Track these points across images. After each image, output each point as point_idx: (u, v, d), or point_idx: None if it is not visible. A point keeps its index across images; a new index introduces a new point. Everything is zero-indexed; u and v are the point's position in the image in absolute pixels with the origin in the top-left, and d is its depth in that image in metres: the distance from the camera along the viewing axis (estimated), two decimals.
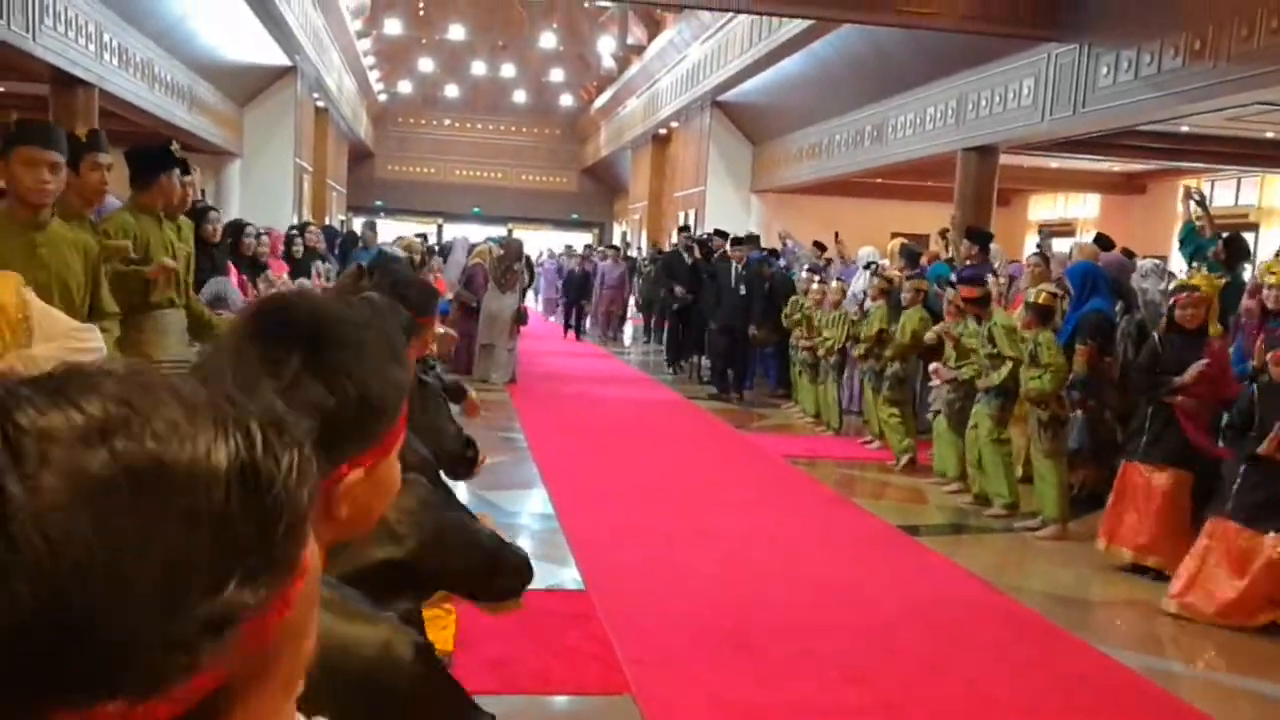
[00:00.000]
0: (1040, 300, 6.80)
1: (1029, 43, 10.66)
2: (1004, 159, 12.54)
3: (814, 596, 5.34)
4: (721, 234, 14.20)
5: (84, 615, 0.46)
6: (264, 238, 8.71)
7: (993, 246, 9.69)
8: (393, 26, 27.91)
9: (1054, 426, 6.71)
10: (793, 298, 11.23)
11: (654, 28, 23.19)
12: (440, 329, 3.39)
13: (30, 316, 2.95)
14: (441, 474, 2.59)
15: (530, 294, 22.76)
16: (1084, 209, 19.84)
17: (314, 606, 0.58)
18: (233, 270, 7.49)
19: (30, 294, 2.99)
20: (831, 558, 6.09)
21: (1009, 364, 6.91)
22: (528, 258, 16.08)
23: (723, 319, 12.09)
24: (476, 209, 34.13)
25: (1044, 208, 20.64)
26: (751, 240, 12.91)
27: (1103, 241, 8.60)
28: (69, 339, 3.08)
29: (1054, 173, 18.14)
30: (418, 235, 12.83)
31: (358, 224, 19.80)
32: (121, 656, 0.46)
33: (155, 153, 4.76)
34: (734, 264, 12.02)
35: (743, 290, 11.84)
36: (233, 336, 1.08)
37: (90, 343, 3.15)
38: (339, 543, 1.08)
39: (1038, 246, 10.17)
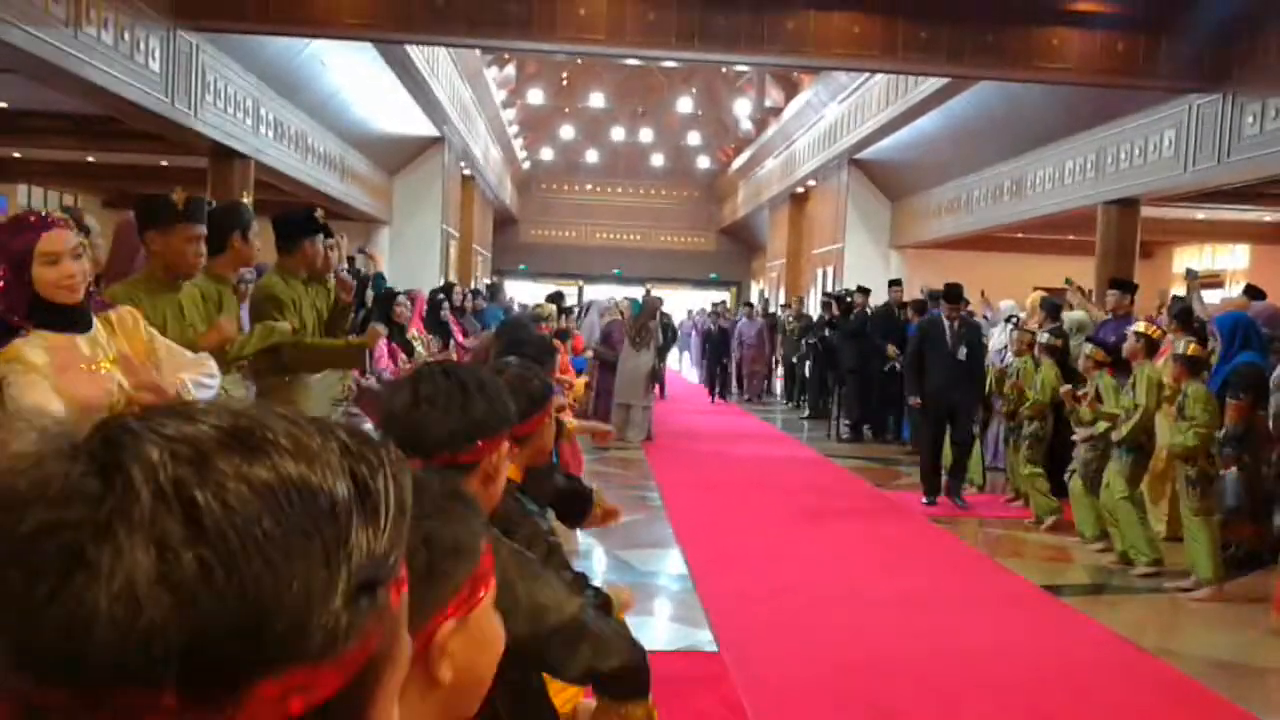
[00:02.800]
0: (1189, 351, 6.55)
1: (1169, 94, 10.41)
2: (1146, 211, 12.21)
3: (956, 659, 5.21)
4: (864, 290, 14.13)
5: (270, 592, 0.55)
6: (404, 299, 9.05)
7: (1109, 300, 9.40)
8: (536, 96, 28.76)
9: (1202, 483, 6.43)
10: None
11: (791, 89, 23.35)
12: (578, 424, 3.54)
13: (156, 350, 3.17)
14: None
15: (677, 354, 22.83)
16: (1233, 260, 19.06)
17: (405, 634, 0.67)
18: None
19: (152, 331, 3.22)
20: (974, 618, 5.94)
21: (1138, 415, 6.70)
22: (666, 317, 16.35)
23: (937, 393, 9.20)
24: (617, 270, 34.65)
25: (1190, 260, 19.89)
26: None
27: (1253, 292, 8.27)
28: (197, 365, 3.31)
29: (1200, 224, 17.52)
30: (553, 295, 13.16)
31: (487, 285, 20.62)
32: (304, 625, 0.56)
33: (299, 219, 4.98)
34: (948, 324, 9.35)
35: (962, 353, 9.17)
36: None
37: (211, 366, 3.38)
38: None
39: (1182, 296, 9.76)
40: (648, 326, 12.81)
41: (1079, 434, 7.54)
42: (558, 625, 1.86)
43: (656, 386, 16.90)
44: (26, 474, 0.56)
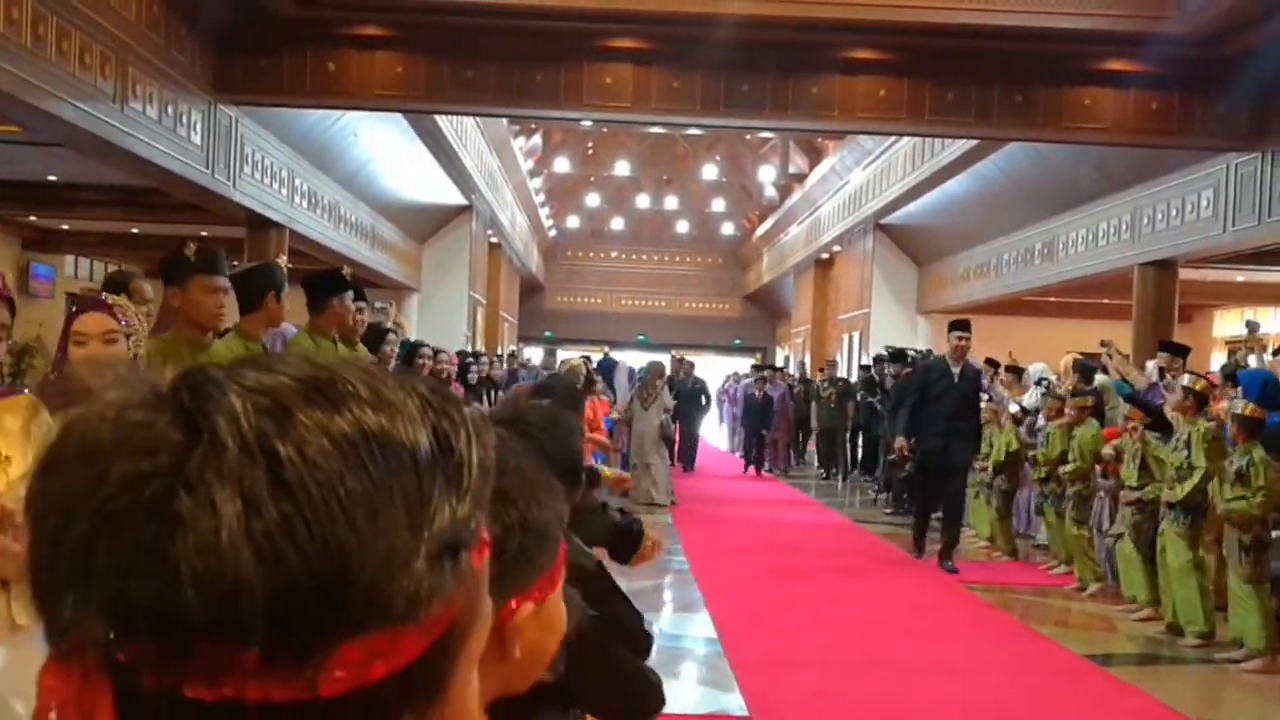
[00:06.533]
0: (1247, 412, 6.34)
1: (1206, 153, 10.36)
2: (1184, 273, 12.10)
3: None
4: (898, 355, 13.63)
5: (353, 550, 0.52)
6: (442, 355, 9.11)
7: (1149, 364, 9.26)
8: (562, 165, 29.09)
9: (1256, 550, 6.20)
10: None
11: (815, 155, 23.48)
12: (612, 471, 3.46)
13: None
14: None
15: (718, 423, 22.37)
16: (1277, 323, 18.83)
17: (486, 598, 0.63)
18: None
19: None
20: (1015, 689, 5.76)
21: (1197, 475, 6.50)
22: (700, 382, 16.38)
23: None
24: (642, 337, 34.70)
25: (1231, 323, 19.70)
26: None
27: None
28: None
29: (1240, 286, 17.37)
30: (583, 357, 13.30)
31: (529, 351, 20.66)
32: (387, 586, 0.53)
33: (327, 279, 4.98)
34: None
35: None
36: None
37: None
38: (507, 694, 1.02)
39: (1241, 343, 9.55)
40: (654, 386, 13.08)
41: (1124, 496, 7.36)
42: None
43: (683, 459, 16.85)
44: (110, 422, 0.54)
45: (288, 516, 0.51)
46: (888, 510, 12.85)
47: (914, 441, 9.12)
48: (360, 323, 5.27)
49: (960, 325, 9.27)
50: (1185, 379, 6.95)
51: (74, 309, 2.97)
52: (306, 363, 0.57)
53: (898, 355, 13.79)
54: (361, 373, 0.57)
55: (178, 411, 0.54)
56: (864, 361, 19.07)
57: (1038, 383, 10.91)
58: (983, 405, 10.31)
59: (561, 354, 25.44)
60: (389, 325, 6.97)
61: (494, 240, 23.25)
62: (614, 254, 36.98)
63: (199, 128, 9.85)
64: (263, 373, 0.55)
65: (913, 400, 9.19)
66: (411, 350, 8.41)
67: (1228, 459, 6.33)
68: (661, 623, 6.84)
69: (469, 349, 15.96)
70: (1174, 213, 11.28)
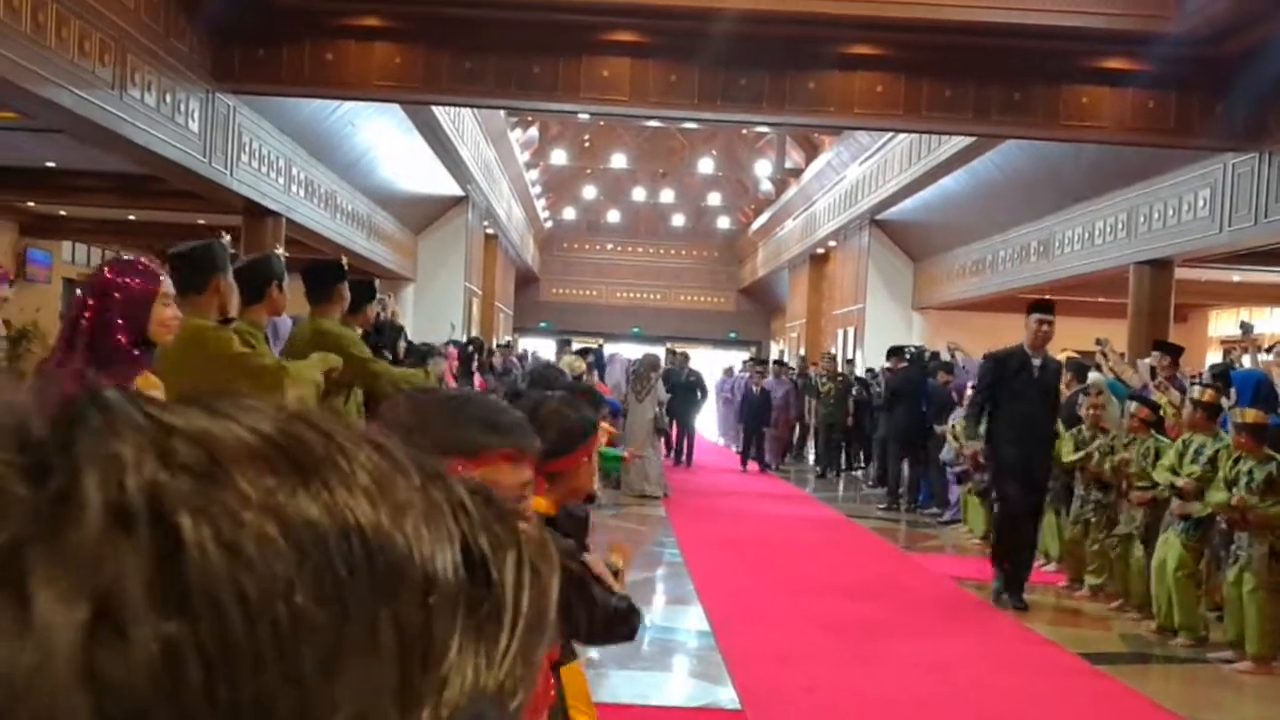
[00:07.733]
0: (1251, 420, 6.20)
1: (1204, 153, 10.37)
2: (1180, 273, 12.11)
3: None
4: (896, 350, 13.67)
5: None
6: (440, 358, 9.16)
7: (1142, 363, 9.27)
8: (559, 157, 29.09)
9: None
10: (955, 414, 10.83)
11: (811, 150, 23.47)
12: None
13: None
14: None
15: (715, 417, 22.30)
16: (1272, 324, 18.86)
17: None
18: None
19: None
20: (1006, 687, 5.77)
21: (1220, 493, 6.31)
22: (696, 374, 16.40)
23: None
24: (636, 329, 34.68)
25: (1226, 323, 19.73)
26: None
27: None
28: None
29: (1236, 286, 17.39)
30: (579, 350, 13.34)
31: (525, 343, 20.68)
32: None
33: (328, 268, 5.06)
34: None
35: None
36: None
37: None
38: None
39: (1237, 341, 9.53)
40: (648, 378, 13.06)
41: (1138, 497, 7.28)
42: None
43: (683, 453, 16.84)
44: None
45: (174, 648, 0.28)
46: (881, 506, 12.89)
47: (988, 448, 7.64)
48: (371, 319, 5.41)
49: (1042, 307, 7.72)
50: (1195, 391, 6.85)
51: (148, 273, 2.96)
52: (284, 413, 0.35)
53: (895, 351, 13.81)
54: (372, 446, 0.35)
55: (38, 448, 0.31)
56: (849, 357, 19.08)
57: None
58: None
59: (553, 345, 25.48)
60: (386, 318, 6.98)
61: (490, 231, 23.23)
62: (610, 246, 36.96)
63: (197, 116, 9.88)
64: (205, 414, 0.33)
65: (981, 398, 7.70)
66: (424, 353, 8.30)
67: (1247, 467, 6.23)
68: (654, 615, 6.85)
69: (461, 339, 15.99)
70: (1171, 212, 11.29)
